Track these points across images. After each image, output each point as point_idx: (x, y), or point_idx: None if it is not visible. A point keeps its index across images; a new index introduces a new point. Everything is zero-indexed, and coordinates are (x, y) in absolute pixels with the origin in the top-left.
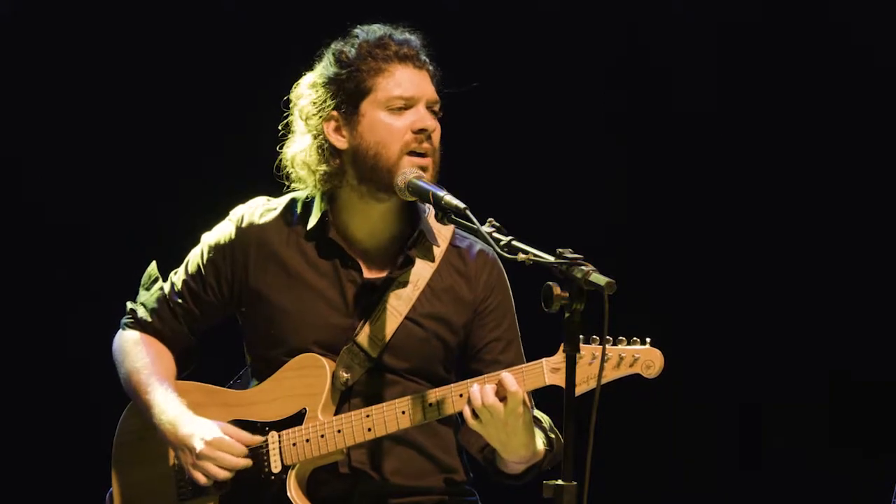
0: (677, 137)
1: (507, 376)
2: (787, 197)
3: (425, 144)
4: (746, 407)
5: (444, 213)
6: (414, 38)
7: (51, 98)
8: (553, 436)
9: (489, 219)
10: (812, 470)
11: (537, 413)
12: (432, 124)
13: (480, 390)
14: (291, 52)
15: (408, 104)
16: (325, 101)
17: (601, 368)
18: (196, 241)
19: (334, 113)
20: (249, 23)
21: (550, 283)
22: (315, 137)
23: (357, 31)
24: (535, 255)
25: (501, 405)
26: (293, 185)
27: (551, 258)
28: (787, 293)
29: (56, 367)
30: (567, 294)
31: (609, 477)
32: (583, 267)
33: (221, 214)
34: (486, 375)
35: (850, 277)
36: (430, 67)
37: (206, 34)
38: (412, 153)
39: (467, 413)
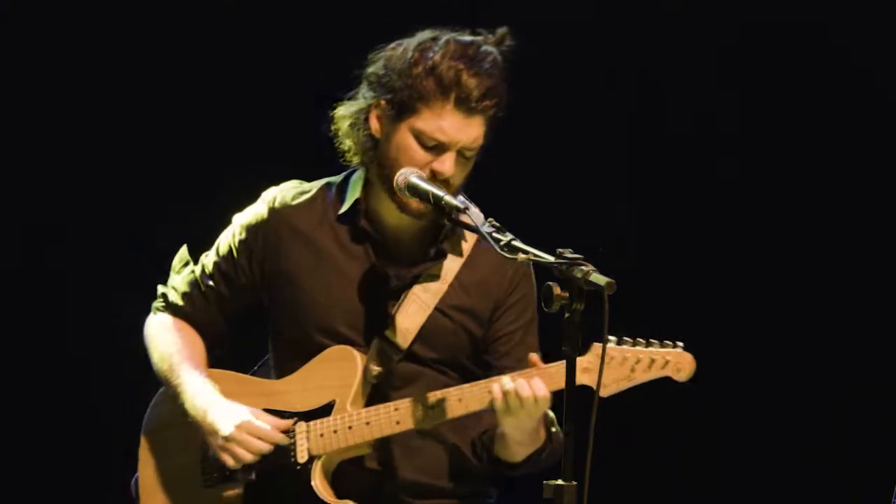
0: (677, 138)
1: (538, 383)
2: (790, 198)
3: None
4: (747, 407)
5: (444, 214)
6: (494, 72)
7: (51, 97)
8: (554, 430)
9: (489, 219)
10: (812, 470)
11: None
12: (450, 172)
13: (516, 383)
14: (291, 51)
15: (439, 148)
16: (384, 86)
17: (601, 368)
18: (201, 238)
19: (384, 103)
20: (249, 22)
21: (550, 283)
22: (362, 111)
23: (447, 35)
24: (535, 255)
25: (532, 400)
26: (338, 141)
27: (551, 258)
28: (787, 296)
29: (56, 368)
30: (567, 294)
31: (609, 477)
32: (583, 267)
33: (222, 214)
34: (518, 372)
35: (845, 276)
36: (491, 108)
37: (205, 34)
38: None
39: (497, 393)
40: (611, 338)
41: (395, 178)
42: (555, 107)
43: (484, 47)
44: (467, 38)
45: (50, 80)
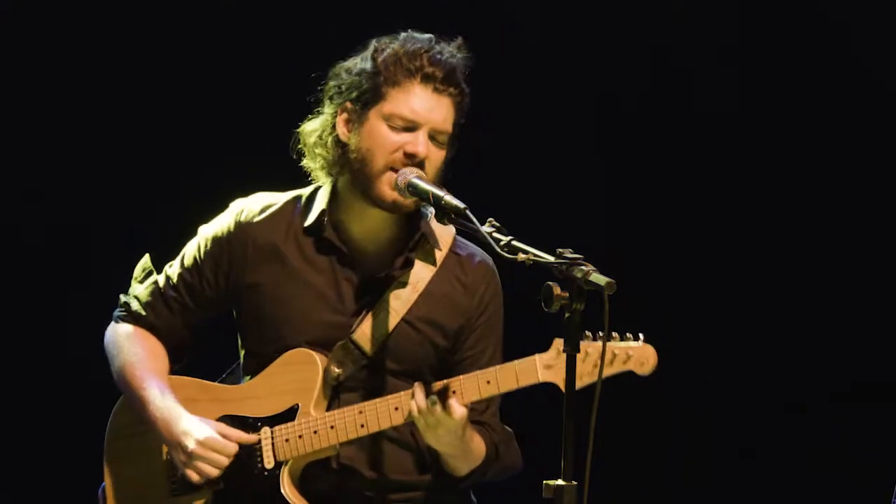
0: (677, 138)
1: (453, 403)
2: (784, 197)
3: (411, 168)
4: (747, 406)
5: (444, 214)
6: (452, 61)
7: (50, 97)
8: (503, 448)
9: (489, 219)
10: (812, 470)
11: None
12: (423, 152)
13: (429, 400)
14: (291, 51)
15: (409, 126)
16: (347, 90)
17: (601, 368)
18: (186, 244)
19: (349, 105)
20: (249, 22)
21: (550, 283)
22: (329, 121)
23: (405, 33)
24: (535, 255)
25: (446, 417)
26: (304, 162)
27: (551, 258)
28: (782, 293)
29: (56, 367)
30: (567, 294)
31: (609, 477)
32: (583, 267)
33: (214, 215)
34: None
35: (845, 277)
36: (456, 95)
37: (205, 34)
38: (396, 171)
39: (415, 410)
40: None
41: (395, 178)
42: (554, 107)
43: (441, 43)
44: (424, 35)
45: (46, 80)
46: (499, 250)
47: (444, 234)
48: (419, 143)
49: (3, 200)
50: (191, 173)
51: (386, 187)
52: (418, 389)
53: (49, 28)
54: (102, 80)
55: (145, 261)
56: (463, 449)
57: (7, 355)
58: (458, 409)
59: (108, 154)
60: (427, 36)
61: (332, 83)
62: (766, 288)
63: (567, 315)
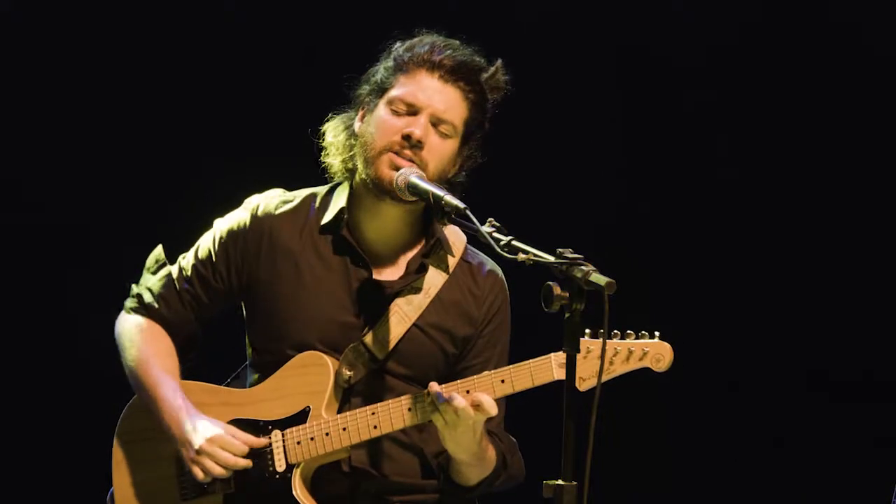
0: (676, 138)
1: (477, 395)
2: (784, 197)
3: (407, 151)
4: (747, 406)
5: (444, 214)
6: (463, 58)
7: (51, 97)
8: (509, 458)
9: (489, 219)
10: (812, 469)
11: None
12: (419, 133)
13: (451, 395)
14: (291, 52)
15: (410, 110)
16: (367, 86)
17: (601, 367)
18: (197, 239)
19: (367, 99)
20: (249, 23)
21: (550, 283)
22: (351, 118)
23: (423, 33)
24: (535, 255)
25: (467, 412)
26: (324, 158)
27: (551, 258)
28: (783, 295)
29: (56, 367)
30: (567, 294)
31: (609, 477)
32: (583, 267)
33: (222, 215)
34: (456, 383)
35: (844, 279)
36: (468, 91)
37: (205, 34)
38: (395, 154)
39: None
40: (587, 330)
41: (395, 177)
42: (554, 107)
43: (464, 46)
44: (450, 40)
45: (46, 80)
46: (499, 250)
47: (457, 241)
48: (417, 124)
49: (4, 199)
50: (191, 173)
51: (385, 168)
52: (436, 387)
53: (53, 28)
54: (101, 80)
55: (158, 252)
56: (478, 455)
57: (9, 356)
58: (487, 399)
59: (110, 149)
60: (455, 40)
61: (363, 86)
62: (765, 289)
63: (567, 315)
